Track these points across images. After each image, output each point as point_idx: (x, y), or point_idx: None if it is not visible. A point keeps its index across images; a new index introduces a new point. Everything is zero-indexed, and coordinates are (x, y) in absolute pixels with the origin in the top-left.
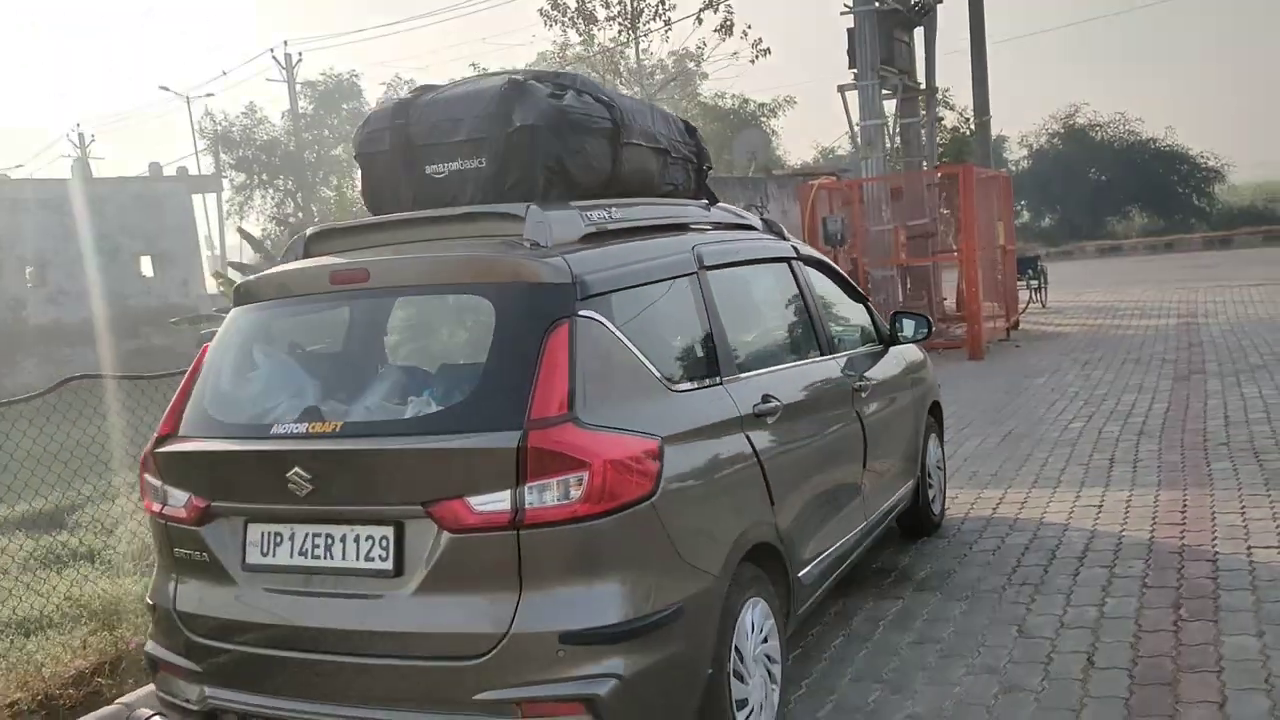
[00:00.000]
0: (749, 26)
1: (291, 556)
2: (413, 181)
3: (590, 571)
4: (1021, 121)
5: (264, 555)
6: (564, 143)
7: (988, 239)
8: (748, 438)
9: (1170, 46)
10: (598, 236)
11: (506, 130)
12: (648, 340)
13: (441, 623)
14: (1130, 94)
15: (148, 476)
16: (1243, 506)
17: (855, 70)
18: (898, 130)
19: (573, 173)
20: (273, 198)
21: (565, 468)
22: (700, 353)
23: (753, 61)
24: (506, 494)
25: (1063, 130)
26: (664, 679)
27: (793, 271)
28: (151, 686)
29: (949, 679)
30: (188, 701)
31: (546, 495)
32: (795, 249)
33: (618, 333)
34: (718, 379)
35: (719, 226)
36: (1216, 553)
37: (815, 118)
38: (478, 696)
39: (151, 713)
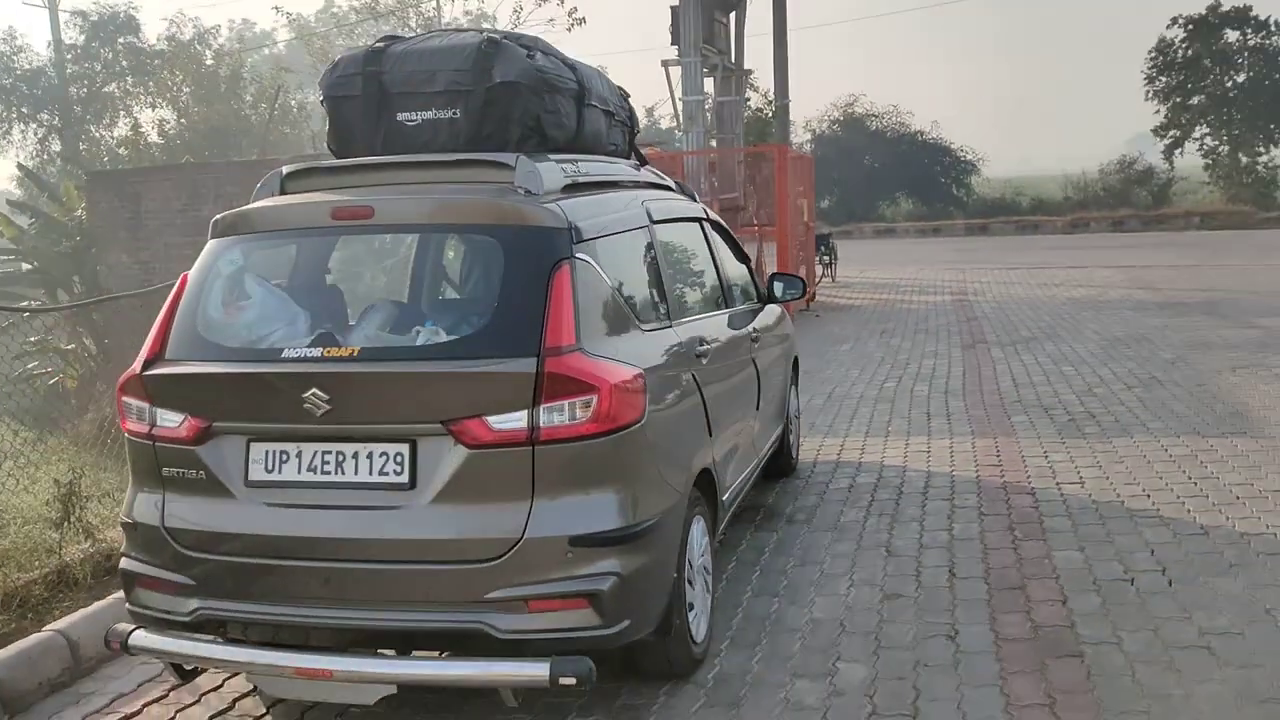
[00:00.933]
0: None
1: (299, 473)
2: (384, 128)
3: (593, 484)
4: (807, 108)
5: (268, 472)
6: (541, 101)
7: (794, 216)
8: (693, 376)
9: (948, 45)
10: (571, 188)
11: (486, 85)
12: (620, 284)
13: (456, 529)
14: (906, 88)
15: (129, 399)
16: (1045, 451)
17: (678, 47)
18: (711, 107)
19: (547, 130)
20: (35, 133)
21: (577, 391)
22: (655, 298)
23: (569, 30)
24: (523, 414)
25: (842, 118)
26: (646, 580)
27: (704, 230)
28: (87, 609)
29: (836, 591)
30: (174, 614)
31: (558, 415)
32: (705, 211)
33: (603, 275)
34: (668, 322)
35: (650, 186)
36: (1033, 487)
37: (635, 89)
38: (490, 595)
39: (133, 626)
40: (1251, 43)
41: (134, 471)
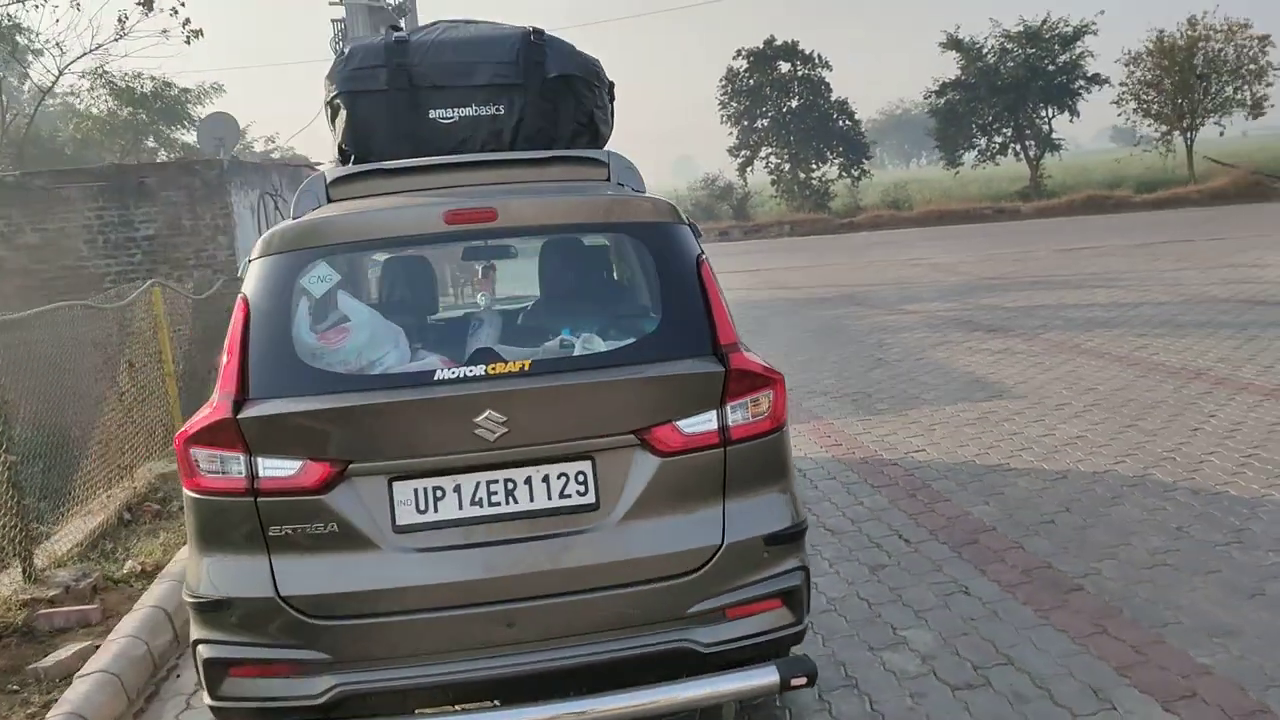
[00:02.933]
0: (181, 3)
1: (461, 509)
2: (414, 125)
3: (772, 481)
4: None
5: (421, 513)
6: (593, 95)
7: None
8: None
9: None
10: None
11: (541, 79)
12: None
13: (654, 545)
14: None
15: (208, 450)
16: (865, 428)
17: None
18: None
19: (599, 127)
20: None
21: (757, 387)
22: None
23: (187, 42)
24: (712, 415)
25: None
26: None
27: None
28: None
29: (825, 571)
30: (296, 699)
31: (742, 414)
32: None
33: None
34: None
35: None
36: (890, 459)
37: (284, 105)
38: (692, 609)
39: None
40: (800, 73)
41: (210, 538)
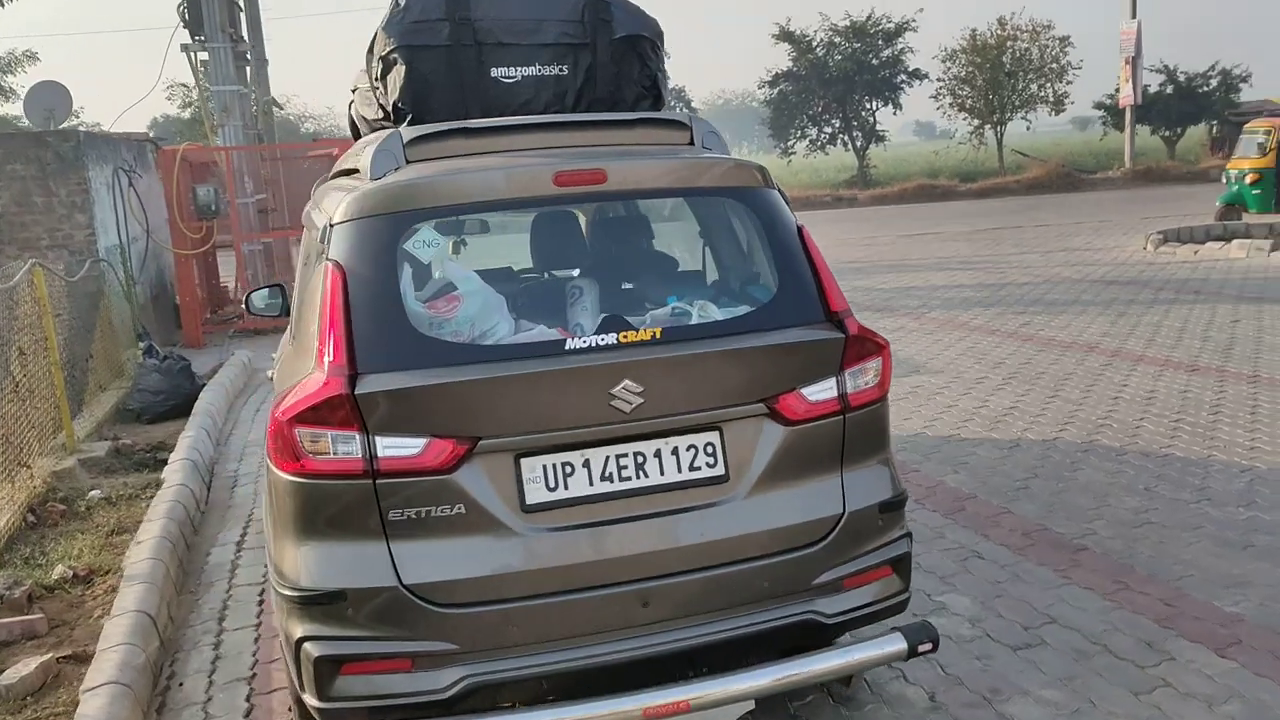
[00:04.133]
0: None
1: (591, 485)
2: (476, 83)
3: (880, 448)
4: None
5: (551, 490)
6: (657, 58)
7: None
8: None
9: None
10: None
11: (609, 39)
12: None
13: (782, 516)
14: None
15: (319, 430)
16: None
17: (202, 31)
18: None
19: (661, 91)
20: None
21: (870, 354)
22: None
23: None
24: (832, 382)
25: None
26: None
27: None
28: None
29: None
30: (421, 694)
31: (857, 380)
32: None
33: None
34: None
35: None
36: None
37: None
38: (816, 580)
39: None
40: None
41: (316, 525)
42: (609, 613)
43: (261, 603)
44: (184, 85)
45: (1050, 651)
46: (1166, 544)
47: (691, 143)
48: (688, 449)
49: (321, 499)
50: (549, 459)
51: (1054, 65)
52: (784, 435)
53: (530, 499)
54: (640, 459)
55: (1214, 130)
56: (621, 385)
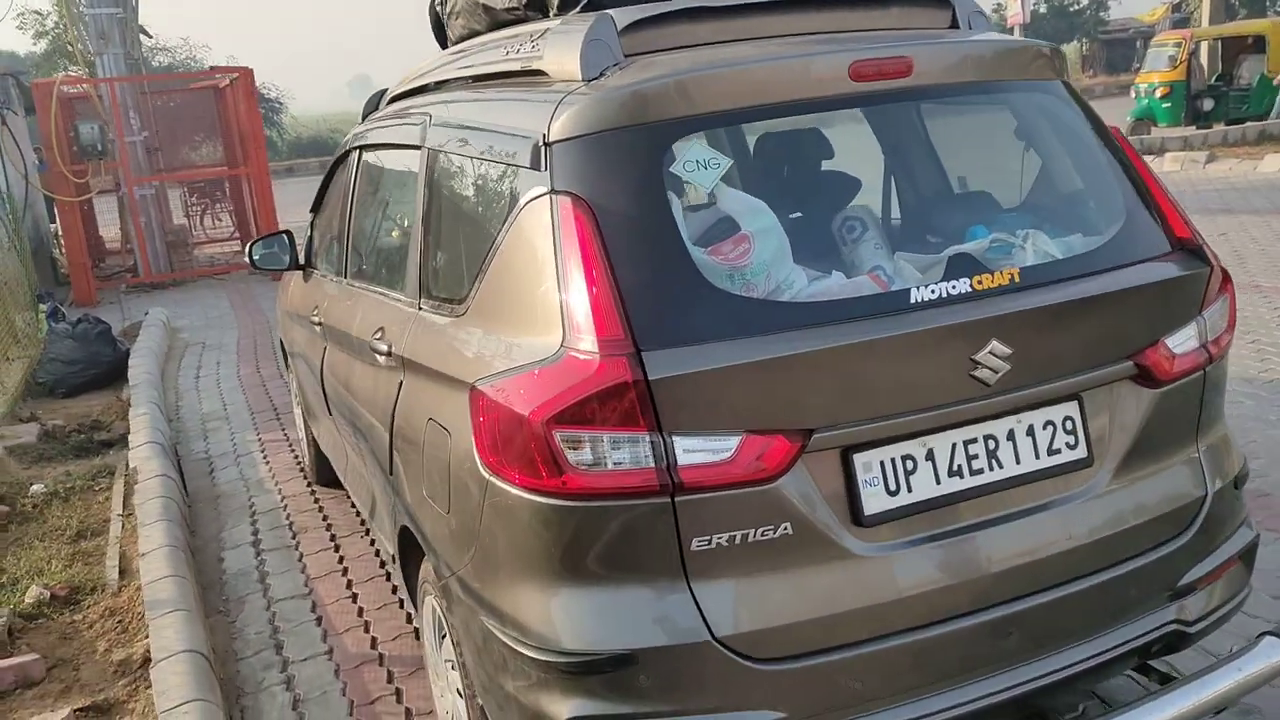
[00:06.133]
0: None
1: (938, 483)
2: None
3: (1222, 408)
4: None
5: (892, 495)
6: None
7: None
8: None
9: None
10: None
11: None
12: None
13: (1147, 505)
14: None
15: (592, 433)
16: None
17: None
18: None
19: None
20: None
21: (1225, 288)
22: None
23: None
24: (1192, 327)
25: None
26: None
27: None
28: None
29: None
30: None
31: (1215, 322)
32: None
33: None
34: None
35: None
36: None
37: None
38: (1182, 581)
39: None
40: None
41: (581, 564)
42: (967, 650)
43: (320, 621)
44: (37, 13)
45: None
46: None
47: (955, 25)
48: (1044, 426)
49: (594, 528)
50: (887, 452)
51: None
52: (1151, 400)
53: (869, 508)
54: (992, 444)
55: (1084, 48)
56: (988, 349)
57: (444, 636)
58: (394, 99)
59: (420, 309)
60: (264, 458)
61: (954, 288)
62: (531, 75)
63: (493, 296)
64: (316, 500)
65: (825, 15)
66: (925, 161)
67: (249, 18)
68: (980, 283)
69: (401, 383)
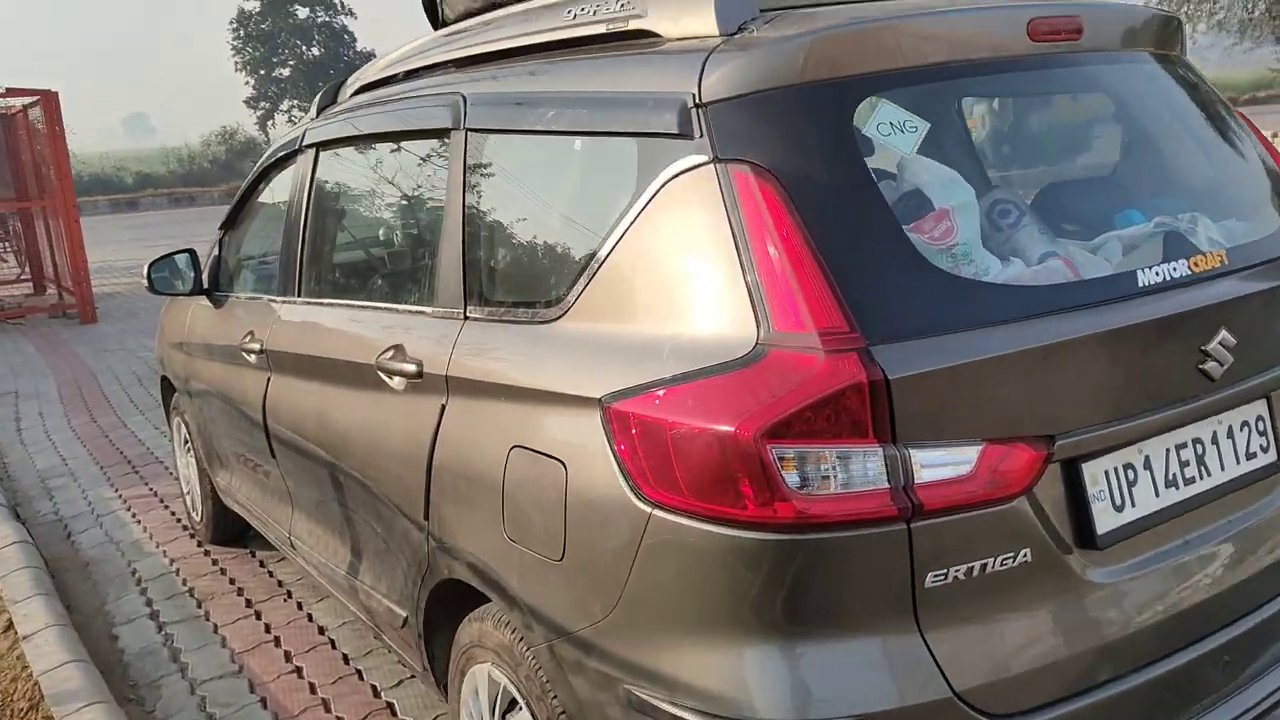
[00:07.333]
0: None
1: (1156, 495)
2: None
3: None
4: None
5: (1118, 510)
6: None
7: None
8: None
9: None
10: None
11: None
12: None
13: None
14: None
15: (816, 448)
16: None
17: None
18: None
19: None
20: None
21: None
22: None
23: None
24: None
25: None
26: None
27: None
28: None
29: None
30: None
31: None
32: None
33: None
34: None
35: None
36: None
37: None
38: None
39: None
40: (321, 20)
41: (788, 609)
42: (1191, 683)
43: (265, 703)
44: None
45: None
46: None
47: None
48: (1241, 427)
49: (809, 565)
50: (1110, 461)
51: None
52: None
53: (1101, 526)
54: (1199, 448)
55: None
56: (1218, 339)
57: (508, 714)
58: (366, 87)
59: (468, 318)
60: (132, 516)
61: (1174, 270)
62: (627, 37)
63: (618, 291)
64: (215, 562)
65: None
66: (1075, 138)
67: (13, 52)
68: (1196, 264)
69: (444, 408)
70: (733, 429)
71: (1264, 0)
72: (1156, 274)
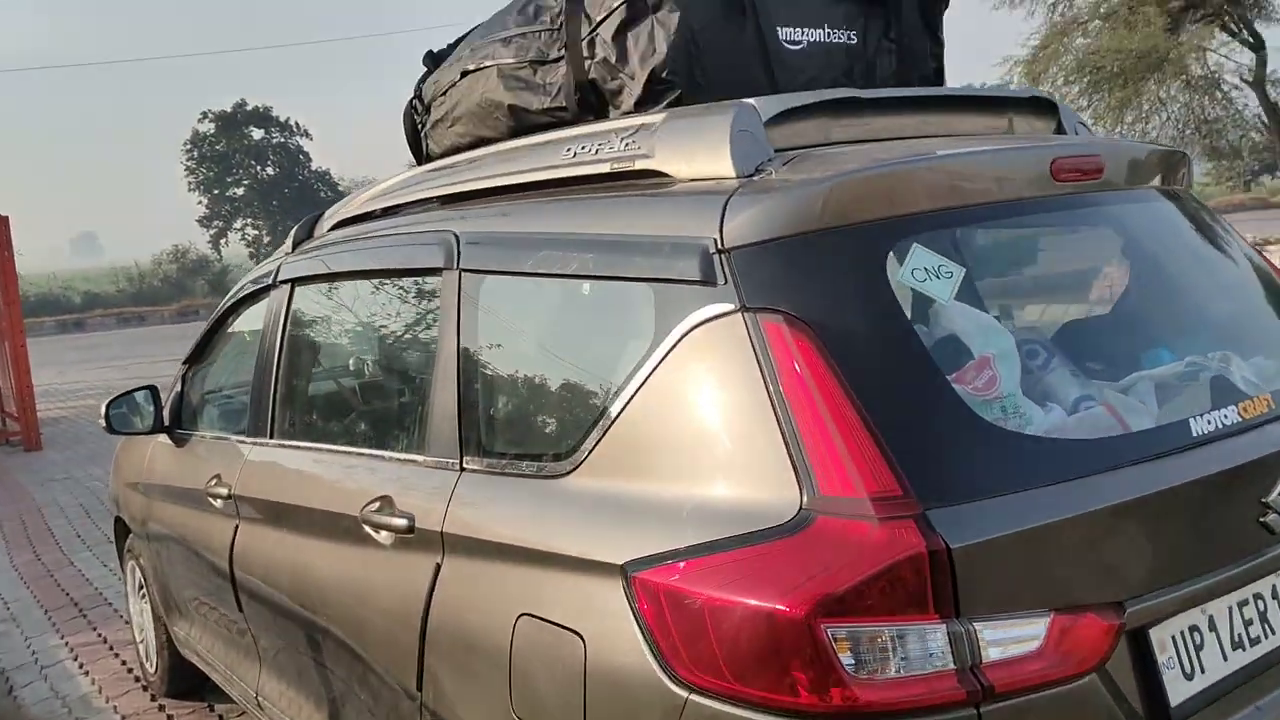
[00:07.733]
0: None
1: (1224, 660)
2: (761, 48)
3: None
4: None
5: (1188, 679)
6: (940, 31)
7: None
8: None
9: None
10: None
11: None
12: None
13: None
14: None
15: (873, 626)
16: None
17: None
18: None
19: (942, 73)
20: None
21: None
22: None
23: None
24: None
25: None
26: None
27: None
28: None
29: None
30: None
31: None
32: None
33: None
34: None
35: None
36: None
37: None
38: None
39: None
40: (276, 140)
41: None
42: None
43: None
44: None
45: None
46: None
47: (1061, 131)
48: None
49: None
50: (1176, 625)
51: None
52: None
53: (1174, 698)
54: (1261, 605)
55: None
56: (1277, 492)
57: None
58: (344, 222)
59: (464, 468)
60: (80, 667)
61: (1225, 417)
62: (632, 177)
63: (637, 446)
64: (170, 718)
65: (945, 117)
66: (1085, 275)
67: None
68: (1245, 410)
69: (439, 567)
70: (785, 606)
71: (1193, 121)
72: (1209, 422)
